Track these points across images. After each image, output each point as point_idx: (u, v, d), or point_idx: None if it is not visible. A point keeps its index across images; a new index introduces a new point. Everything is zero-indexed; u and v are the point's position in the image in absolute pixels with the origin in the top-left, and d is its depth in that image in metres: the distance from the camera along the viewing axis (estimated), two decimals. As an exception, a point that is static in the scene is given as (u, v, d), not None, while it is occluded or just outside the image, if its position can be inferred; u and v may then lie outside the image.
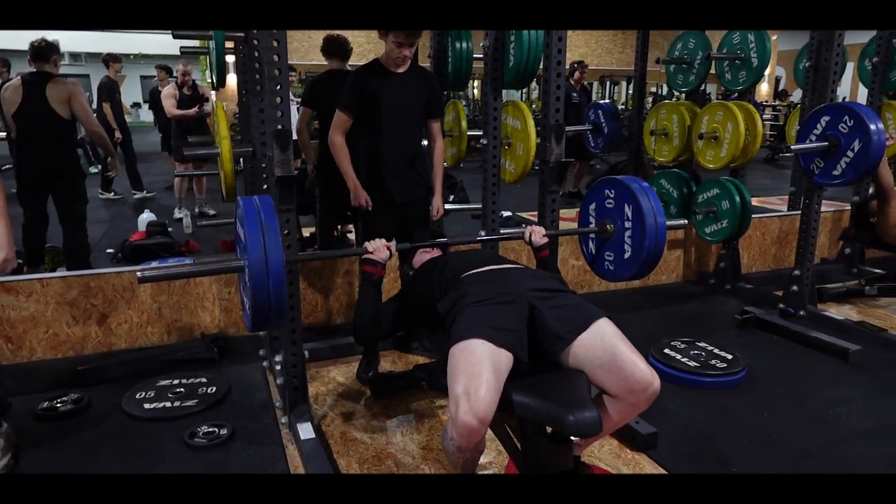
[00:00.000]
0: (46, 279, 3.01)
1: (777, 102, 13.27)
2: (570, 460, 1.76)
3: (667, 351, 2.95)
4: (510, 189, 3.80)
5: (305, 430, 2.30)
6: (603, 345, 1.73)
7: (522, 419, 1.82)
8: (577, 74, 5.85)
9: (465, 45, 3.21)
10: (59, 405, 2.55)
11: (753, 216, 3.80)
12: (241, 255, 1.87)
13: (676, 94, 4.50)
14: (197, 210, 6.27)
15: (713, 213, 3.86)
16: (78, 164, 3.88)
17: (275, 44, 2.15)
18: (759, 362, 2.93)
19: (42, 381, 2.79)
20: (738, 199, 3.73)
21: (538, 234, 2.29)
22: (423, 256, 2.41)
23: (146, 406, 2.57)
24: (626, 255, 2.31)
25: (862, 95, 4.88)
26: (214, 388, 2.72)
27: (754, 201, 3.90)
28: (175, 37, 2.55)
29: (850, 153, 2.99)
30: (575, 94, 5.61)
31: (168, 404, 2.59)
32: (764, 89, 14.87)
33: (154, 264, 4.41)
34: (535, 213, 2.87)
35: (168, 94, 6.08)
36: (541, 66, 2.74)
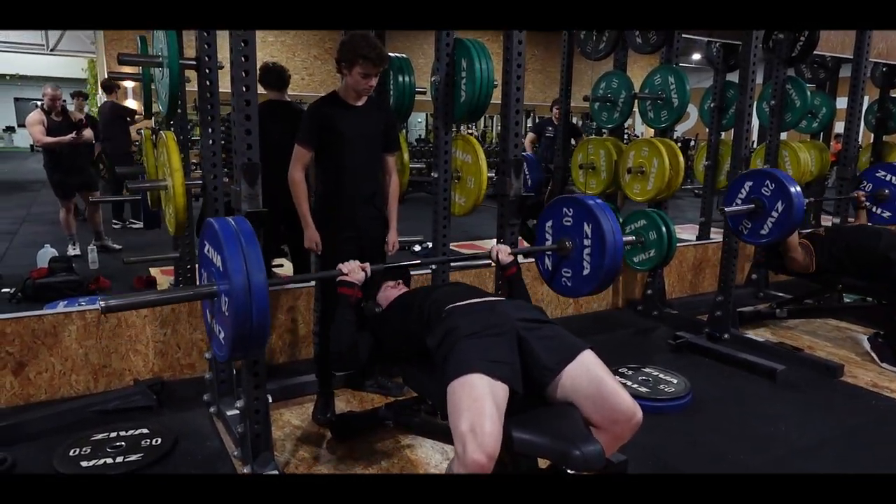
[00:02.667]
0: (-47, 326, 2.69)
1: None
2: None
3: (617, 378, 3.05)
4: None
5: (274, 480, 2.17)
6: (588, 376, 1.78)
7: (516, 455, 1.83)
8: (554, 110, 5.88)
9: (407, 78, 3.23)
10: (-23, 469, 2.26)
11: (672, 245, 4.04)
12: (211, 279, 1.77)
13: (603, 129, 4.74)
14: (97, 244, 5.79)
15: (641, 243, 4.07)
16: None
17: (244, 74, 2.07)
18: (697, 384, 3.09)
19: (-49, 442, 2.46)
20: (664, 229, 3.95)
21: (504, 253, 2.33)
22: (391, 293, 2.37)
23: (83, 464, 2.33)
24: (586, 272, 2.37)
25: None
26: (159, 440, 2.51)
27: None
28: (121, 62, 2.39)
29: (774, 214, 3.20)
30: (550, 128, 5.72)
31: (109, 460, 2.36)
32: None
33: (62, 304, 4.05)
34: (481, 242, 2.91)
35: (34, 120, 5.35)
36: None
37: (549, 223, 2.50)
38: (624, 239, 2.36)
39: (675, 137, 13.46)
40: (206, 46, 2.43)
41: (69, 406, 2.76)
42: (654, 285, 4.22)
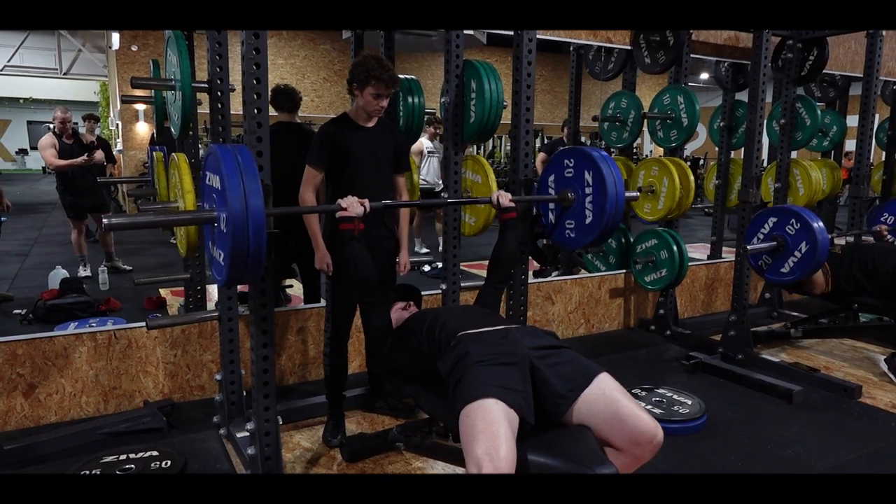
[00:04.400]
0: (-36, 347, 2.69)
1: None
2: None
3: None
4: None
5: (284, 504, 2.14)
6: (605, 399, 1.76)
7: (530, 478, 1.80)
8: (566, 129, 5.83)
9: (416, 99, 3.25)
10: (-14, 492, 2.24)
11: (684, 264, 4.01)
12: (211, 205, 1.82)
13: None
14: (108, 265, 5.82)
15: (652, 263, 4.06)
16: None
17: (255, 97, 2.08)
18: (712, 406, 3.05)
19: (-39, 464, 2.46)
20: (675, 248, 3.94)
21: (505, 198, 2.36)
22: (401, 314, 2.36)
23: (93, 487, 2.31)
24: (588, 221, 2.37)
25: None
26: (169, 463, 2.49)
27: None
28: (134, 86, 2.42)
29: (797, 254, 3.15)
30: (561, 148, 5.63)
31: (118, 483, 2.34)
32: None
33: (73, 326, 4.06)
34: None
35: (46, 143, 5.46)
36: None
37: (552, 177, 2.50)
38: (627, 194, 2.36)
39: (684, 156, 13.42)
40: (217, 70, 2.45)
41: (79, 428, 2.74)
42: (666, 305, 4.18)
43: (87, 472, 2.39)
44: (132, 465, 2.45)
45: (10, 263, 6.30)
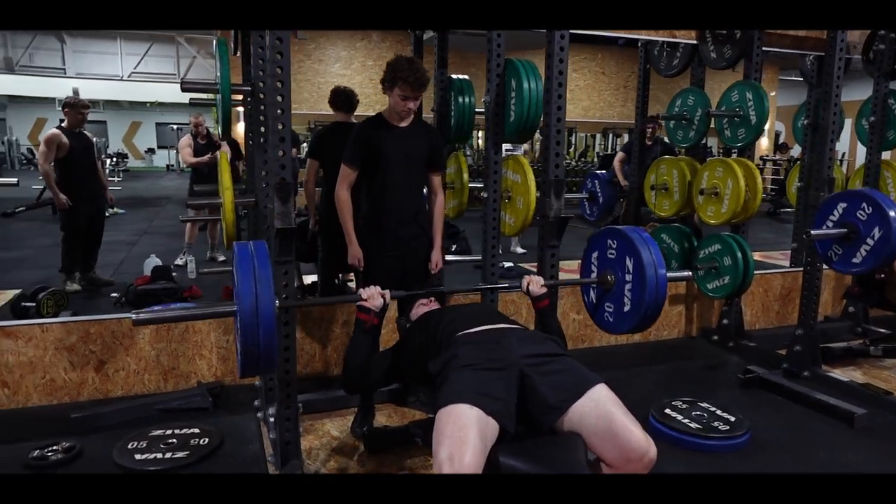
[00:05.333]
0: (47, 324, 3.02)
1: (778, 156, 13.39)
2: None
3: (668, 411, 2.89)
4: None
5: (296, 486, 2.25)
6: (598, 411, 1.71)
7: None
8: (647, 130, 5.67)
9: (467, 99, 3.28)
10: (49, 454, 2.52)
11: (756, 272, 3.76)
12: (235, 299, 1.85)
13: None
14: (208, 255, 6.34)
15: (715, 269, 3.84)
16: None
17: (279, 98, 2.20)
18: (762, 424, 2.86)
19: (35, 428, 2.77)
20: (739, 255, 3.70)
21: (536, 284, 2.25)
22: (420, 309, 2.40)
23: (137, 457, 2.53)
24: (626, 308, 2.26)
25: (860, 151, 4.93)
26: (207, 440, 2.68)
27: (756, 256, 3.87)
28: (184, 90, 2.62)
29: (870, 241, 2.89)
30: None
31: (159, 455, 2.55)
32: (764, 143, 15.05)
33: (156, 308, 4.43)
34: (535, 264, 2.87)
35: (184, 143, 6.23)
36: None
37: (595, 254, 2.40)
38: (669, 274, 2.22)
39: (790, 157, 12.39)
40: (260, 73, 2.59)
41: (137, 403, 3.01)
42: (730, 314, 3.96)
43: (136, 444, 2.63)
44: (174, 440, 2.66)
45: (119, 251, 6.93)
